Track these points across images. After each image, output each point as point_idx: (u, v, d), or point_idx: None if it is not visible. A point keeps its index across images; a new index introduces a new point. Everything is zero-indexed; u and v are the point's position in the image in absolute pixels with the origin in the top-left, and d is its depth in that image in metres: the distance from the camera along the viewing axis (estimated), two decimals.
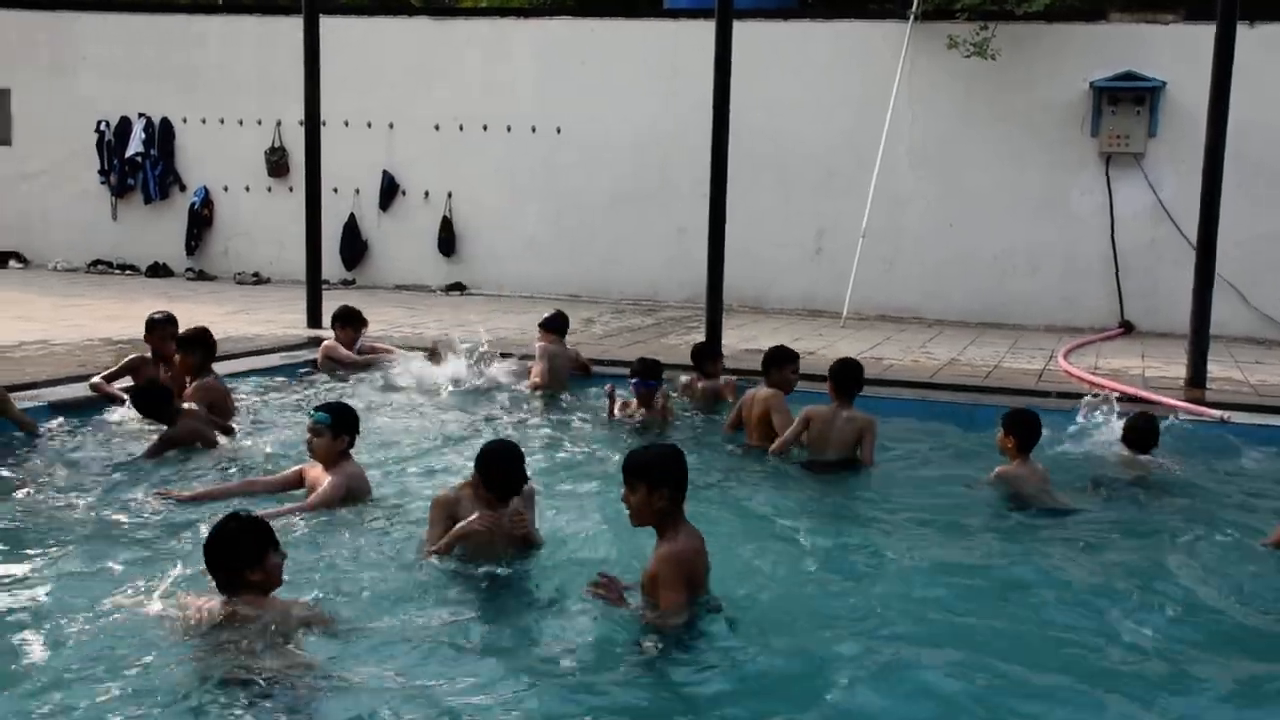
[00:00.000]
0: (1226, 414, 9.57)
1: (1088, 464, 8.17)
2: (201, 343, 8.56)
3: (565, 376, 10.50)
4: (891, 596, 5.66)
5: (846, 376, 8.24)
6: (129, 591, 5.08)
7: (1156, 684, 4.74)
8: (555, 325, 10.66)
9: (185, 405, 7.93)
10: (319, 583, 5.40)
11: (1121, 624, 5.29)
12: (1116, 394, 9.36)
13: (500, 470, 5.73)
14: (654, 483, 5.01)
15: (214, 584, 4.65)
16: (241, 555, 4.58)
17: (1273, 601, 5.80)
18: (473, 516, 5.72)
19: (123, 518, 6.31)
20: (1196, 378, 10.78)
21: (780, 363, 8.77)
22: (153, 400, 7.74)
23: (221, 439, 7.96)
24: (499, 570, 5.60)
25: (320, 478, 6.56)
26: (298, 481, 6.77)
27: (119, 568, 5.52)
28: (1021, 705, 4.52)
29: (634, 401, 9.12)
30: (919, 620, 5.36)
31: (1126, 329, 14.98)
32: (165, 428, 7.68)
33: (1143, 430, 8.02)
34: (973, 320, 15.59)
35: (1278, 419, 9.57)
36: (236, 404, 8.83)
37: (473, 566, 5.64)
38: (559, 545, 6.07)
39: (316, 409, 6.80)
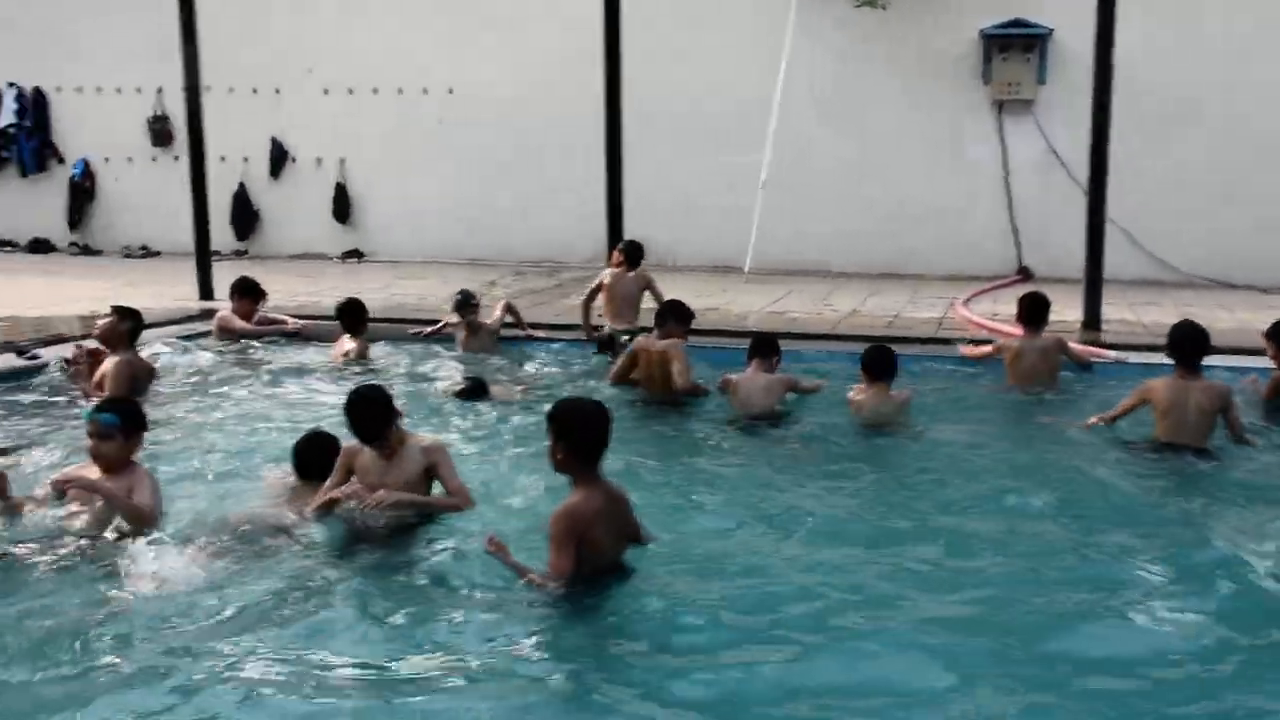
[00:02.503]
0: (1121, 354, 9.74)
1: None
2: (131, 314, 8.58)
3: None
4: None
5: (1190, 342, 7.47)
6: None
7: None
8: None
9: None
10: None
11: None
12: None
13: (355, 419, 5.79)
14: (557, 434, 5.00)
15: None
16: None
17: None
18: (344, 486, 5.76)
19: None
20: (1092, 320, 10.97)
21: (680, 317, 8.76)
22: None
23: None
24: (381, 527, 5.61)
25: (98, 481, 5.61)
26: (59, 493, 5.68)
27: None
28: None
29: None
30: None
31: (1025, 275, 15.17)
32: None
33: None
34: (874, 271, 15.71)
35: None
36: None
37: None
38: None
39: (98, 408, 5.88)
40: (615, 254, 11.09)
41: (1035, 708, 4.08)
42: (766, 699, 4.22)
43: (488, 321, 10.50)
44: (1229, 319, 11.89)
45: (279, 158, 18.01)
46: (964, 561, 5.49)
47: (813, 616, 4.89)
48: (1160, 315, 11.91)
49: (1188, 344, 7.34)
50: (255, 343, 10.69)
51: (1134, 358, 9.63)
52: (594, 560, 4.98)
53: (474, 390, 8.65)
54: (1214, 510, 6.21)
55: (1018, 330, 9.37)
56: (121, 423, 5.71)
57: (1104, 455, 7.29)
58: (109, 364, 8.36)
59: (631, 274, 10.82)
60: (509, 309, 10.81)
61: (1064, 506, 6.30)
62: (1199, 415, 7.17)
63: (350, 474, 5.84)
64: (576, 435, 5.00)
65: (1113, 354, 9.79)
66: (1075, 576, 5.31)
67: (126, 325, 8.53)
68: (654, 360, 8.52)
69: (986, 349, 9.48)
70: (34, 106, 18.57)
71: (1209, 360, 7.65)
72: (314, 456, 6.17)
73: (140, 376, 8.52)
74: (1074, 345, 9.49)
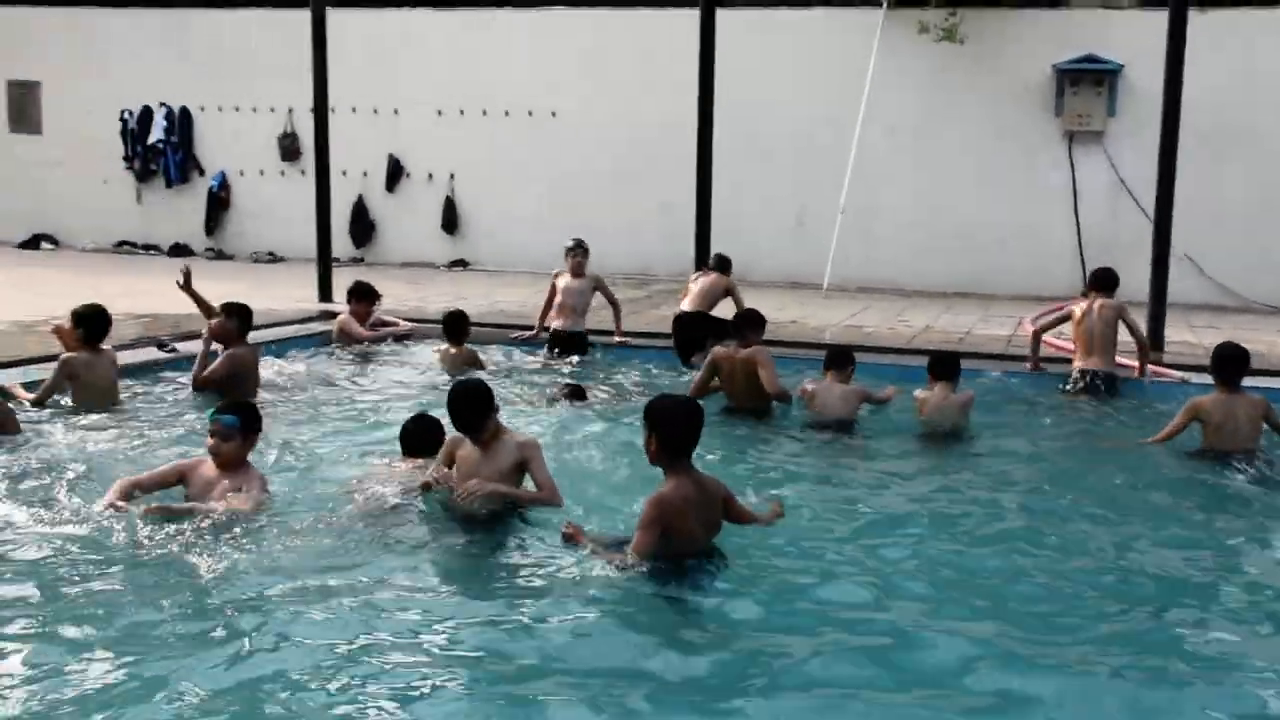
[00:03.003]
0: (1186, 375, 9.54)
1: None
2: (240, 313, 8.66)
3: None
4: None
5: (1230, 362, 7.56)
6: None
7: None
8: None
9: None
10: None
11: None
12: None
13: (457, 412, 5.81)
14: (651, 428, 5.06)
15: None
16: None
17: None
18: (436, 471, 5.88)
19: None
20: (1155, 341, 10.73)
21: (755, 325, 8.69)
22: None
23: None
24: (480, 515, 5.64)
25: (216, 478, 5.72)
26: (175, 479, 5.86)
27: None
28: None
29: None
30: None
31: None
32: None
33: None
34: (948, 290, 15.53)
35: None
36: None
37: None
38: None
39: (220, 410, 5.89)
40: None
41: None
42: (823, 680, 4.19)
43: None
44: None
45: (395, 173, 18.21)
46: (1024, 558, 5.51)
47: (871, 602, 4.96)
48: (1218, 337, 11.60)
49: (1229, 364, 7.45)
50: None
51: (1195, 378, 9.40)
52: (681, 545, 5.00)
53: (574, 393, 8.69)
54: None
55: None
56: (241, 424, 5.76)
57: (1172, 464, 7.38)
58: (222, 357, 8.47)
59: (715, 280, 10.88)
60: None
61: (1136, 509, 6.40)
62: (1249, 425, 7.30)
63: (452, 462, 5.88)
64: (668, 430, 5.03)
65: (1178, 374, 9.59)
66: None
67: (234, 323, 8.58)
68: (737, 368, 8.38)
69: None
70: (180, 124, 19.01)
71: (1267, 382, 7.74)
72: (418, 436, 6.30)
73: (250, 368, 8.63)
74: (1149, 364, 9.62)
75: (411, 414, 6.82)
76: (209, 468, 5.76)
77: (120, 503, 5.53)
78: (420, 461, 6.26)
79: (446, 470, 5.88)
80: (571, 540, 5.23)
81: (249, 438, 5.84)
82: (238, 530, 5.39)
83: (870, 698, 4.08)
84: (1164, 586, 5.24)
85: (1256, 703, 4.10)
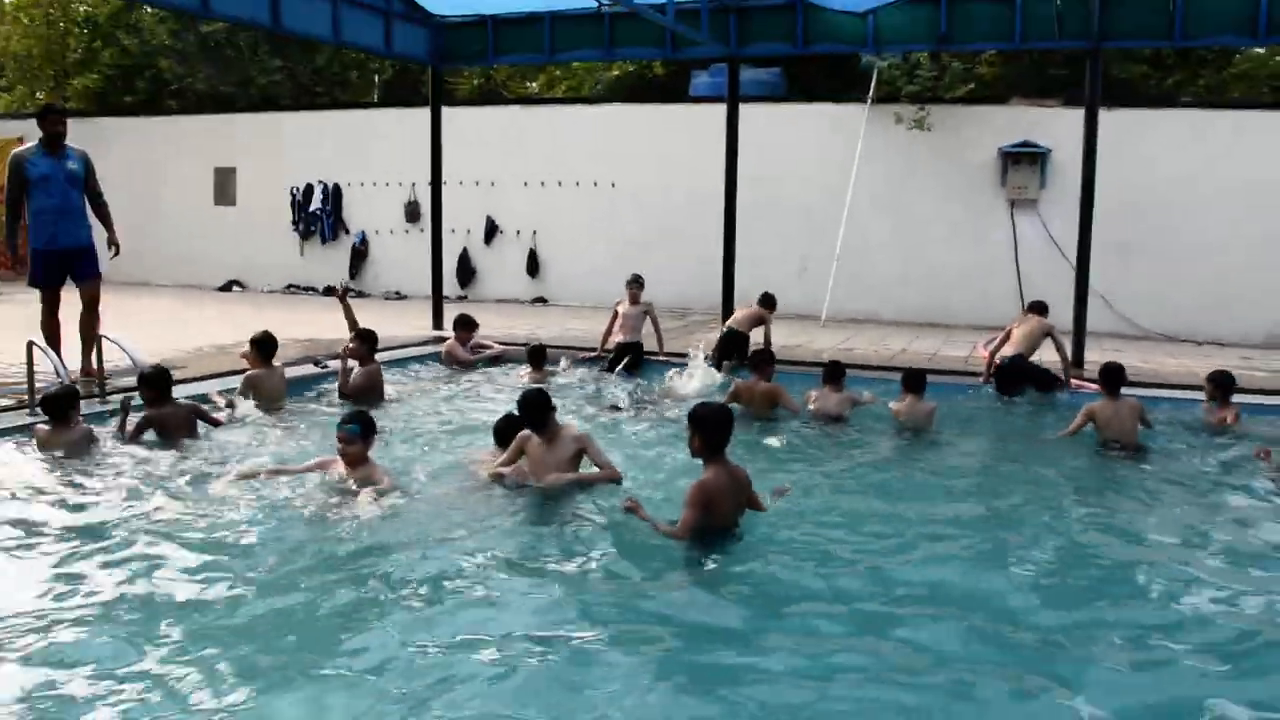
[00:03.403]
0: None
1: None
2: (368, 338, 8.88)
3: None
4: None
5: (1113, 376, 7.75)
6: None
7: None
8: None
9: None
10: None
11: None
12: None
13: (524, 414, 5.80)
14: (694, 428, 5.03)
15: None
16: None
17: None
18: (513, 466, 5.81)
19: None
20: (1077, 361, 10.78)
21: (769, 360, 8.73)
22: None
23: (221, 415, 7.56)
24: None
25: (347, 473, 5.76)
26: (316, 470, 5.97)
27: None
28: None
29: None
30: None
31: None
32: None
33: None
34: (918, 321, 15.58)
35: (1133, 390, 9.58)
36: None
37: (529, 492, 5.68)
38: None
39: (344, 421, 5.85)
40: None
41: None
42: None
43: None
44: (1174, 364, 11.58)
45: (491, 230, 18.38)
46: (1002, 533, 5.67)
47: (860, 547, 5.21)
48: (1124, 359, 11.54)
49: (1113, 377, 7.72)
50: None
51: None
52: (716, 521, 4.98)
53: (618, 404, 8.77)
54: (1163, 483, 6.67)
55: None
56: (361, 431, 5.76)
57: (1075, 451, 7.53)
58: (357, 373, 8.67)
59: (758, 311, 11.15)
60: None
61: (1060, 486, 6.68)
62: (1130, 422, 7.54)
63: (521, 453, 5.86)
64: (708, 429, 4.99)
65: (1094, 386, 9.62)
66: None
67: (364, 346, 8.79)
68: (757, 398, 8.36)
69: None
70: (332, 196, 19.39)
71: (1155, 393, 8.26)
72: (508, 430, 6.32)
73: (378, 380, 8.76)
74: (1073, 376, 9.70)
75: (501, 416, 6.86)
76: (340, 465, 5.82)
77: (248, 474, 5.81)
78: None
79: (518, 466, 5.84)
80: (632, 512, 5.13)
81: (368, 440, 5.82)
82: (377, 509, 5.43)
83: (864, 620, 4.29)
84: (1067, 532, 5.64)
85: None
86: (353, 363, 8.76)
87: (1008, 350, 9.61)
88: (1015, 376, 9.42)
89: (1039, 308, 10.07)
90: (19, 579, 4.52)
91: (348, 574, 4.62)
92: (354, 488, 5.66)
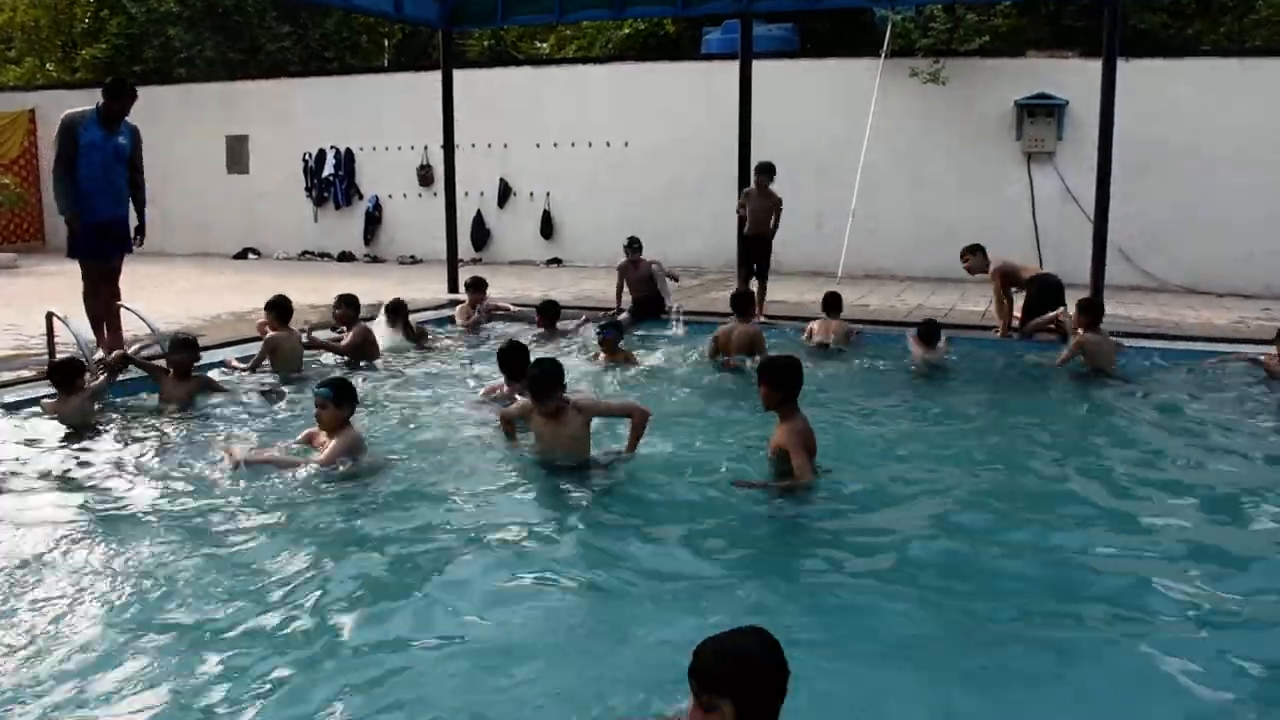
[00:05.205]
0: (1123, 340, 9.50)
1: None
2: (351, 302, 9.02)
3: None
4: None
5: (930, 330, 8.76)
6: None
7: None
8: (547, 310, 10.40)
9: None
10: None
11: None
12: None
13: (530, 383, 5.40)
14: (771, 382, 5.09)
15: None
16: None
17: None
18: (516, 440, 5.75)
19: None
20: (1095, 312, 10.54)
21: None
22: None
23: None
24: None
25: (324, 440, 5.55)
26: (306, 442, 5.77)
27: None
28: None
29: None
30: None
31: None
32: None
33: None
34: (933, 276, 15.46)
35: (1151, 342, 9.75)
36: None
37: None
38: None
39: (319, 384, 5.65)
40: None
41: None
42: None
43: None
44: (1194, 316, 11.48)
45: (504, 193, 18.31)
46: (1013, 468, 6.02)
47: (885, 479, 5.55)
48: (1145, 312, 11.54)
49: (1096, 311, 8.68)
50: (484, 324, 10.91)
51: (1128, 342, 9.40)
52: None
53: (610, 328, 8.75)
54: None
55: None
56: (333, 395, 5.48)
57: (1069, 378, 8.37)
58: (350, 333, 8.77)
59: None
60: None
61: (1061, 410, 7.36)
62: (1109, 352, 8.50)
63: (526, 416, 5.59)
64: (785, 381, 5.09)
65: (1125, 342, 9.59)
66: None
67: (349, 311, 8.85)
68: (735, 341, 8.55)
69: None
70: (345, 161, 19.30)
71: (1184, 346, 8.81)
72: (512, 360, 6.24)
73: (370, 338, 8.80)
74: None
75: (503, 343, 6.74)
76: (322, 435, 5.59)
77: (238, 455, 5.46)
78: (519, 386, 6.10)
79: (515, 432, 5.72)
80: (746, 486, 5.06)
81: (342, 405, 5.49)
82: (340, 475, 5.29)
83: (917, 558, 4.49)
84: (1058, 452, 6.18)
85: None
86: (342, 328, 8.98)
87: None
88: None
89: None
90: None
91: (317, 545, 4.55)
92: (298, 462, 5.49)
